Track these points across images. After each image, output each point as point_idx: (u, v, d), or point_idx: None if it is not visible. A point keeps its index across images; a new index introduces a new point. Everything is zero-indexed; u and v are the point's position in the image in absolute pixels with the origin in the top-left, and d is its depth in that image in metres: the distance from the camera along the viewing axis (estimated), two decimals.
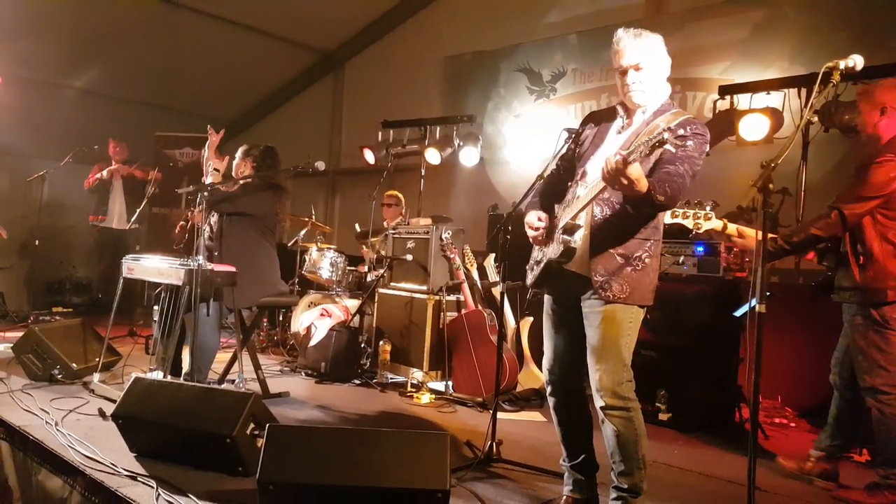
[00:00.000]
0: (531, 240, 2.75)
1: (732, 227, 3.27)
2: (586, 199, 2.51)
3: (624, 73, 2.61)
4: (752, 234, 3.22)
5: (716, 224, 3.15)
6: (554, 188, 2.82)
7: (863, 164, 3.21)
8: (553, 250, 2.62)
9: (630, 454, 2.53)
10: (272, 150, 4.60)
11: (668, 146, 2.19)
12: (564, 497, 2.84)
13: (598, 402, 2.56)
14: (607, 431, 2.56)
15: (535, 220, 2.70)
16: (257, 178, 4.42)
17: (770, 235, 3.13)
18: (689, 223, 3.04)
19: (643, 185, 2.27)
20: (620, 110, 2.71)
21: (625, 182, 2.25)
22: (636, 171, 2.24)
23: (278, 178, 4.53)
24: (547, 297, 2.82)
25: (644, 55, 2.59)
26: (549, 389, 2.82)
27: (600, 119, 2.78)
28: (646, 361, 4.48)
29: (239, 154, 4.55)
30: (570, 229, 2.54)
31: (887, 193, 3.13)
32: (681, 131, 2.34)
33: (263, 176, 4.43)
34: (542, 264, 2.70)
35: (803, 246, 3.39)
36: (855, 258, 3.24)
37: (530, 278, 2.81)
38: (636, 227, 2.54)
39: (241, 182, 4.42)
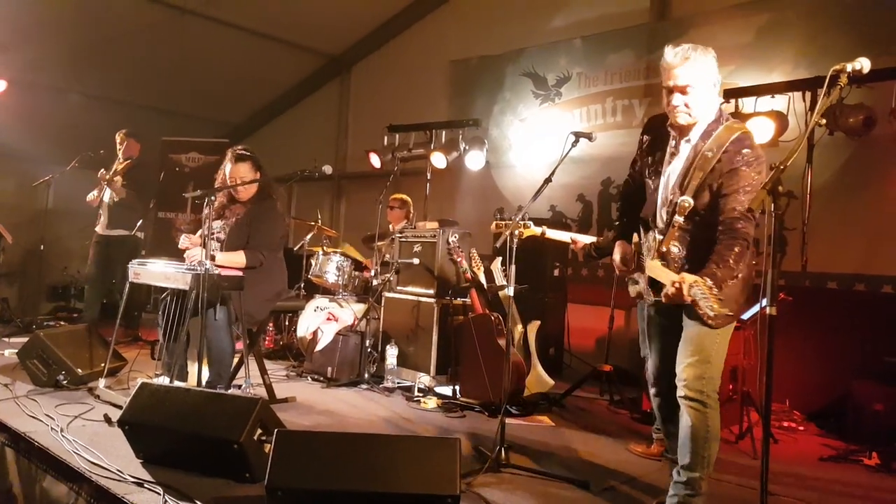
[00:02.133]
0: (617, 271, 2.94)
1: (565, 235, 3.73)
2: (661, 278, 2.55)
3: (670, 92, 2.64)
4: (583, 240, 3.60)
5: (535, 230, 3.67)
6: (631, 198, 2.99)
7: None
8: (647, 290, 2.79)
9: (697, 448, 2.61)
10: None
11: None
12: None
13: (679, 392, 2.65)
14: (683, 422, 2.65)
15: (619, 261, 2.89)
16: (262, 197, 4.42)
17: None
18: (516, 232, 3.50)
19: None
20: (671, 129, 2.76)
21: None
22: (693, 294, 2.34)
23: (275, 187, 4.54)
24: (650, 309, 2.91)
25: (692, 78, 2.62)
26: (653, 391, 2.96)
27: (659, 128, 2.84)
28: None
29: (243, 166, 4.41)
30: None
31: None
32: (736, 162, 2.49)
33: (264, 182, 4.43)
34: (640, 283, 2.87)
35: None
36: None
37: (633, 293, 2.94)
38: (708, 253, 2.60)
39: (258, 213, 4.39)
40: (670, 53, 2.64)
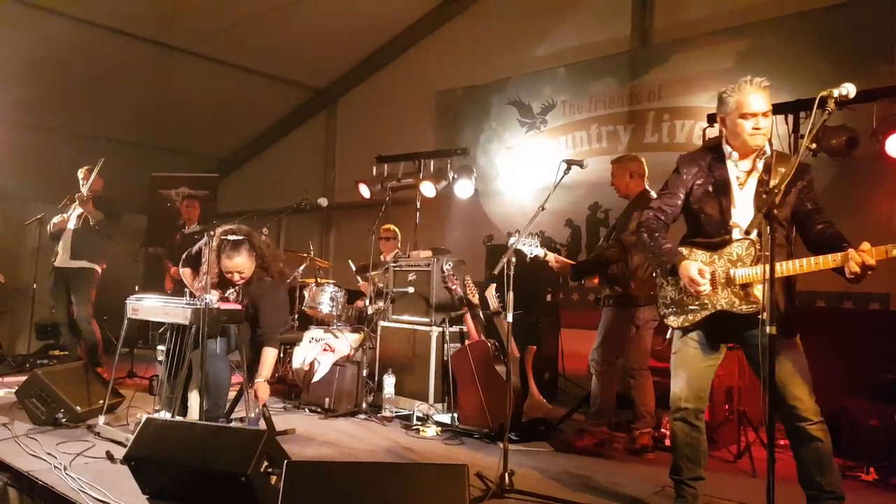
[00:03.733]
0: (693, 291, 2.90)
1: (550, 256, 4.44)
2: (806, 270, 2.73)
3: (754, 116, 2.85)
4: (565, 261, 4.52)
5: (538, 252, 4.31)
6: (668, 228, 3.13)
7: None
8: (733, 303, 2.85)
9: (832, 463, 2.84)
10: (253, 237, 4.39)
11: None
12: None
13: (802, 422, 2.81)
14: (812, 447, 2.83)
15: (696, 274, 2.87)
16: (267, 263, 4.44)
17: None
18: (526, 250, 4.18)
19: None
20: (731, 152, 2.96)
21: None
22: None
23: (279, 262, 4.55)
24: (695, 334, 3.01)
25: (769, 104, 2.89)
26: (678, 414, 3.05)
27: (698, 160, 3.07)
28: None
29: (233, 249, 4.23)
30: (748, 285, 2.82)
31: None
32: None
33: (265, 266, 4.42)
34: (706, 312, 2.93)
35: (601, 267, 4.51)
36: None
37: (679, 321, 3.02)
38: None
39: (265, 291, 4.39)
40: (752, 83, 2.89)
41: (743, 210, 2.90)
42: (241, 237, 4.25)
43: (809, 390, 2.83)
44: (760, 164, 2.92)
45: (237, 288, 4.37)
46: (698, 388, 3.01)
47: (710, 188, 2.97)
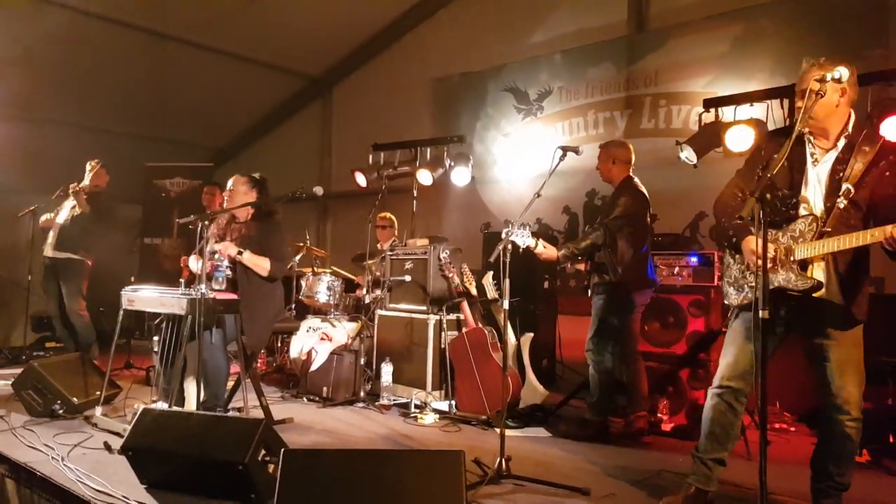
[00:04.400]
0: (751, 264, 2.84)
1: (540, 245, 4.28)
2: (845, 246, 2.64)
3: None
4: (553, 249, 4.35)
5: (530, 242, 4.15)
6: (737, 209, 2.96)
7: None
8: (790, 279, 2.77)
9: (851, 459, 2.87)
10: (266, 180, 4.66)
11: None
12: (694, 489, 3.04)
13: (843, 415, 2.78)
14: (842, 442, 2.82)
15: (756, 248, 2.72)
16: (266, 215, 4.53)
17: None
18: (519, 241, 4.02)
19: None
20: (809, 135, 2.86)
21: None
22: None
23: (277, 206, 4.60)
24: (745, 315, 2.93)
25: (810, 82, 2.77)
26: (719, 391, 3.00)
27: (779, 141, 2.91)
28: (647, 372, 4.56)
29: (239, 184, 4.56)
30: (807, 262, 2.75)
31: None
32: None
33: (265, 204, 4.49)
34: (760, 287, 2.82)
35: (587, 251, 4.45)
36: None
37: (738, 299, 2.97)
38: (863, 253, 2.77)
39: (264, 227, 4.53)
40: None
41: (815, 188, 2.83)
42: (245, 174, 4.62)
43: (856, 385, 2.79)
44: (841, 143, 2.81)
45: (240, 232, 4.48)
46: (744, 371, 2.92)
47: (785, 164, 2.83)
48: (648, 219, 4.55)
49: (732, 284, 3.01)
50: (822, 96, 2.60)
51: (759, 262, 2.68)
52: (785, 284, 2.77)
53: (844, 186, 2.68)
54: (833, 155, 2.81)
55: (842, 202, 2.67)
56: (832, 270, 2.75)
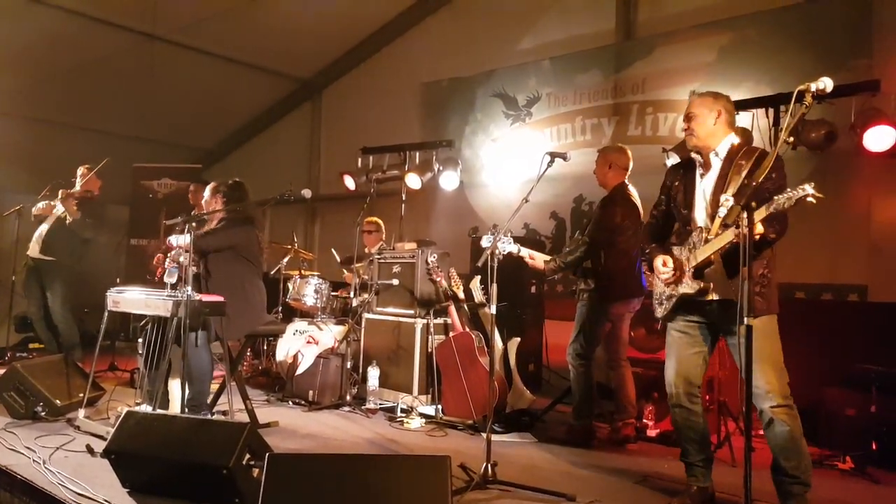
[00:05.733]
0: (662, 281, 3.19)
1: (524, 252, 4.37)
2: (715, 247, 2.93)
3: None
4: (540, 258, 4.47)
5: (512, 249, 4.23)
6: (659, 231, 3.38)
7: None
8: (687, 287, 3.09)
9: (799, 448, 2.94)
10: (240, 184, 4.66)
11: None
12: (695, 488, 3.21)
13: (768, 403, 2.91)
14: (776, 430, 2.93)
15: (661, 264, 3.15)
16: (230, 213, 4.47)
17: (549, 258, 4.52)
18: (499, 247, 3.93)
19: (767, 232, 2.75)
20: (697, 157, 3.21)
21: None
22: (759, 227, 2.66)
23: (249, 210, 4.59)
24: (677, 323, 3.22)
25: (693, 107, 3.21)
26: (673, 400, 3.24)
27: (678, 173, 3.32)
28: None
29: (207, 192, 4.62)
30: (702, 268, 3.02)
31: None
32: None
33: (232, 209, 4.48)
34: (674, 299, 3.16)
35: (574, 265, 4.49)
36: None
37: (661, 312, 3.25)
38: (756, 250, 2.86)
39: (217, 219, 4.52)
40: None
41: (700, 202, 3.14)
42: (217, 183, 4.64)
43: (775, 372, 2.93)
44: (721, 161, 3.11)
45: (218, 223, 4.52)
46: (686, 373, 3.17)
47: (681, 186, 3.25)
48: (639, 226, 4.54)
49: (657, 299, 3.28)
50: (808, 108, 2.63)
51: (667, 275, 3.12)
52: (686, 291, 3.09)
53: (723, 197, 2.88)
54: (715, 172, 3.11)
55: (722, 211, 2.86)
56: (720, 272, 2.98)
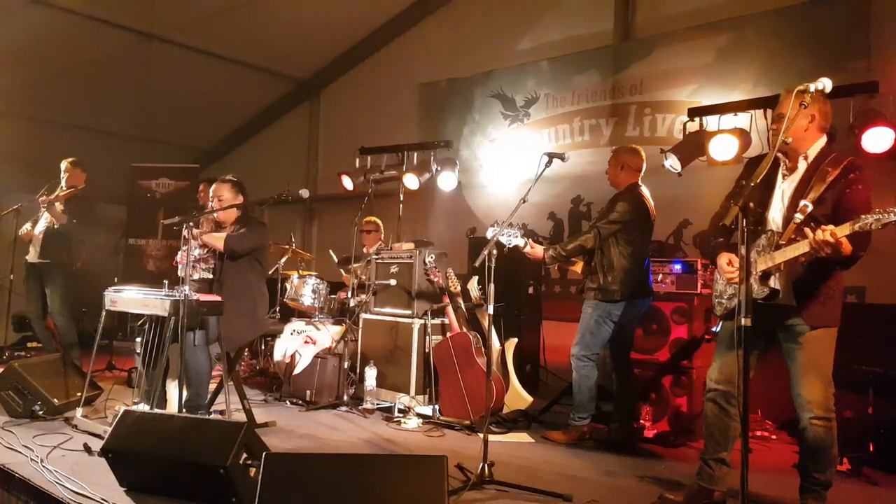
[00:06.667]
0: (726, 280, 3.11)
1: (521, 241, 4.35)
2: (788, 256, 2.84)
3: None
4: (539, 249, 4.44)
5: (519, 242, 4.28)
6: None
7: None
8: (753, 290, 2.86)
9: (829, 456, 2.99)
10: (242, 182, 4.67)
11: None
12: (697, 486, 3.20)
13: (808, 415, 2.93)
14: (810, 437, 2.95)
15: (726, 263, 3.06)
16: (246, 214, 4.49)
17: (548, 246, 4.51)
18: (504, 240, 4.17)
19: (848, 248, 2.66)
20: (782, 156, 3.08)
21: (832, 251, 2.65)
22: (847, 244, 2.63)
23: (257, 211, 4.61)
24: (731, 323, 3.11)
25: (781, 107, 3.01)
26: (710, 395, 3.21)
27: (757, 164, 3.11)
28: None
29: (225, 188, 4.53)
30: (769, 273, 2.92)
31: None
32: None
33: (246, 209, 4.49)
34: (736, 299, 2.97)
35: (574, 253, 4.49)
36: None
37: (721, 310, 3.22)
38: (822, 262, 2.84)
39: (234, 216, 4.50)
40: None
41: (777, 204, 3.05)
42: (230, 177, 4.58)
43: (822, 385, 2.94)
44: (807, 164, 3.01)
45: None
46: (729, 374, 3.10)
47: (759, 183, 3.03)
48: (649, 227, 4.53)
49: (717, 297, 3.25)
50: (805, 107, 2.65)
51: (731, 274, 3.00)
52: (756, 295, 2.93)
53: (802, 203, 2.84)
54: (799, 175, 3.02)
55: (798, 217, 2.82)
56: (787, 279, 2.92)
